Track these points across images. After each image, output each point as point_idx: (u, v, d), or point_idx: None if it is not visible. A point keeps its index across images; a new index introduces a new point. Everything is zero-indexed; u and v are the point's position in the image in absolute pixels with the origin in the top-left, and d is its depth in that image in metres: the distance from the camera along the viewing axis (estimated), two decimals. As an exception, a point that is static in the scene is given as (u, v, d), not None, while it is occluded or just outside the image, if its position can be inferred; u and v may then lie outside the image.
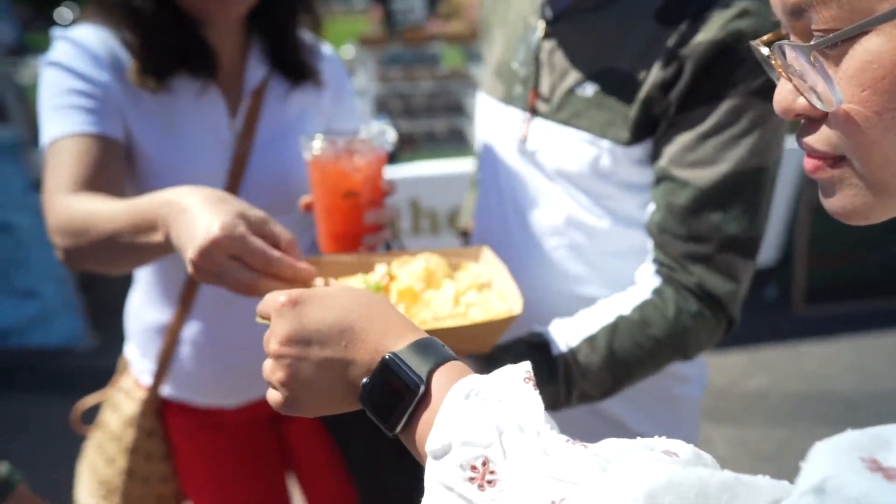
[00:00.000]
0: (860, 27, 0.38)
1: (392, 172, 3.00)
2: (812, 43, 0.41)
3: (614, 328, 0.79)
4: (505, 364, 0.73)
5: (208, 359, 1.14)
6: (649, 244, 0.84)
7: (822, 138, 0.44)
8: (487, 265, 0.80)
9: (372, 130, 0.93)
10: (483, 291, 0.76)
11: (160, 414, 1.18)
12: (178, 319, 1.11)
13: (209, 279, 0.68)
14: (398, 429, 0.49)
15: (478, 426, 0.43)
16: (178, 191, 0.74)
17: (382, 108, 3.57)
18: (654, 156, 0.82)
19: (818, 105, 0.42)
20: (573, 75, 0.85)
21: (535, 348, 0.78)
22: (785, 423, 2.65)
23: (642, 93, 0.79)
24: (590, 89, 0.84)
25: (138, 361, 1.18)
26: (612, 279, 0.89)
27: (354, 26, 8.50)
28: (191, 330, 1.13)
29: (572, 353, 0.78)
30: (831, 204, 0.45)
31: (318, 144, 0.87)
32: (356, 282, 0.73)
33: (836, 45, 0.40)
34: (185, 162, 1.01)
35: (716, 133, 0.76)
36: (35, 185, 2.94)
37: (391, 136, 0.92)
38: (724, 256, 0.78)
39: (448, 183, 3.00)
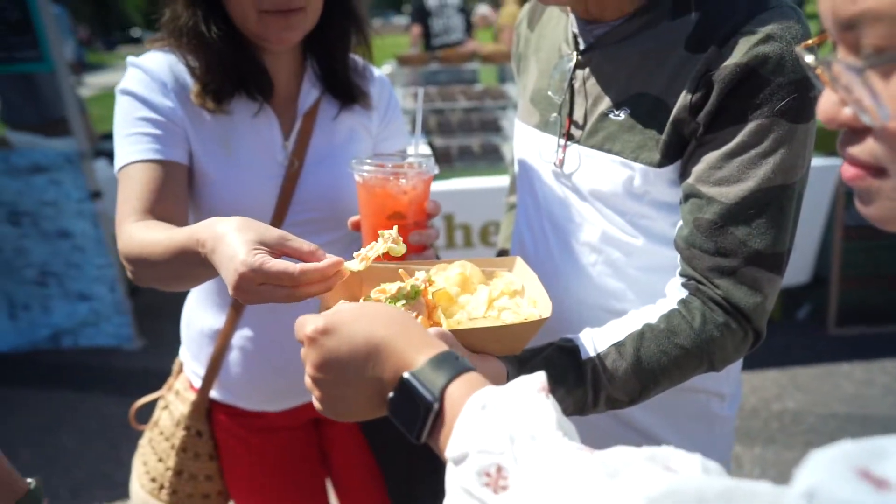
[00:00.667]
0: None
1: (427, 187, 3.08)
2: (862, 63, 0.41)
3: (641, 335, 0.81)
4: (536, 364, 0.79)
5: (255, 365, 1.19)
6: (678, 258, 0.87)
7: (865, 149, 0.44)
8: (520, 274, 0.84)
9: (418, 155, 0.98)
10: (515, 297, 0.80)
11: (208, 415, 1.26)
12: (228, 326, 1.18)
13: (252, 302, 0.76)
14: (422, 438, 0.53)
15: (492, 435, 0.46)
16: (210, 225, 0.80)
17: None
18: (683, 174, 0.85)
19: (865, 119, 0.42)
20: (606, 101, 0.89)
21: (564, 352, 0.81)
22: (818, 444, 2.61)
23: (672, 116, 0.82)
24: (622, 114, 0.87)
25: (190, 364, 1.26)
26: (646, 294, 0.92)
27: (394, 43, 8.65)
28: (240, 337, 1.19)
29: (600, 357, 0.81)
30: (867, 211, 0.46)
31: (367, 167, 0.92)
32: (393, 289, 0.76)
33: (885, 63, 0.40)
34: (240, 180, 1.08)
35: (741, 152, 0.79)
36: (93, 194, 3.11)
37: (432, 162, 0.97)
38: (749, 270, 0.81)
39: (482, 198, 3.06)
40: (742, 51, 0.76)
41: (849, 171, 0.46)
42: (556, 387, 0.78)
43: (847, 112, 0.44)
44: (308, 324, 0.60)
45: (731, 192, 0.80)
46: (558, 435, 0.45)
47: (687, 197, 0.84)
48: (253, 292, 0.73)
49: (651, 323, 0.82)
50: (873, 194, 0.45)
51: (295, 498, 1.32)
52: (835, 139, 0.49)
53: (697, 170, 0.82)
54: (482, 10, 6.75)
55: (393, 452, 1.31)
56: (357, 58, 1.19)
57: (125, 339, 3.36)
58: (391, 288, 0.75)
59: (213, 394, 1.24)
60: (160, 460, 1.25)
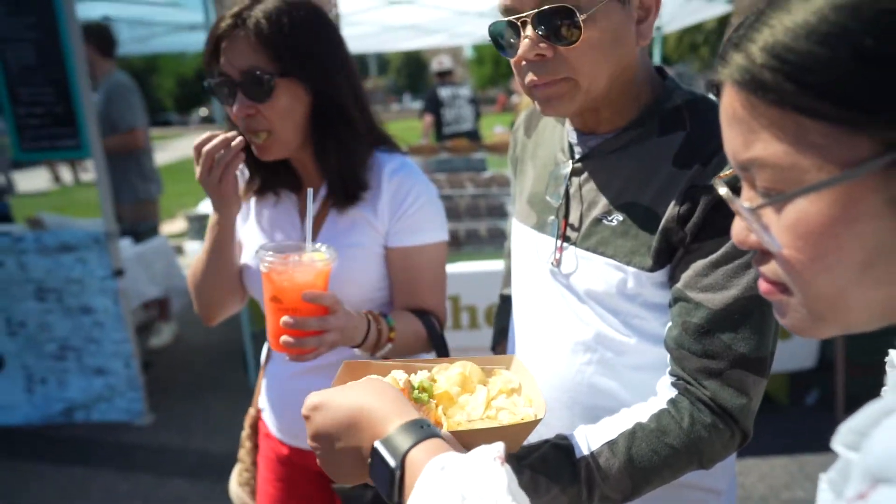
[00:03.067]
0: (789, 195, 0.45)
1: (435, 269, 3.20)
2: (753, 205, 0.47)
3: (632, 434, 0.84)
4: (532, 462, 0.84)
5: (271, 397, 1.38)
6: (668, 358, 0.90)
7: (771, 269, 0.49)
8: (517, 372, 0.88)
9: (323, 249, 1.08)
10: (512, 396, 0.83)
11: (257, 428, 1.48)
12: (267, 356, 1.39)
13: (212, 190, 1.18)
14: (395, 499, 0.60)
15: (446, 495, 0.51)
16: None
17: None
18: (672, 278, 0.90)
19: (765, 245, 0.48)
20: (599, 207, 0.96)
21: (559, 450, 0.84)
22: (830, 537, 2.55)
23: (662, 225, 0.88)
24: (615, 220, 0.93)
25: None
26: (638, 391, 0.95)
27: (409, 127, 9.00)
28: (269, 372, 1.38)
29: (593, 456, 0.83)
30: (783, 321, 0.51)
31: (260, 255, 1.05)
32: (400, 374, 0.82)
33: (775, 203, 0.46)
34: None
35: (725, 262, 0.85)
36: (116, 272, 3.27)
37: (329, 255, 1.06)
38: (735, 373, 0.85)
39: (487, 280, 3.15)
40: (725, 170, 0.84)
41: (763, 286, 0.51)
42: (552, 484, 0.82)
43: (753, 237, 0.50)
44: (307, 401, 0.71)
45: (717, 299, 0.84)
46: (507, 500, 0.49)
47: (676, 300, 0.89)
48: (204, 178, 1.14)
49: (642, 422, 0.85)
50: (784, 307, 0.50)
51: None
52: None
53: (685, 276, 0.87)
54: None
55: None
56: (387, 156, 1.27)
57: (136, 414, 3.41)
58: (398, 377, 0.79)
59: (262, 412, 1.45)
60: (241, 462, 1.51)
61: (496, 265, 3.21)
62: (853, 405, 3.02)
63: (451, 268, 3.22)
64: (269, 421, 1.41)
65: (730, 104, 0.48)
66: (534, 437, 0.84)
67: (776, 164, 0.45)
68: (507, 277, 1.35)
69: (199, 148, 1.14)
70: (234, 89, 1.13)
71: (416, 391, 0.79)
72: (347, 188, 1.23)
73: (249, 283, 1.32)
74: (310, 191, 1.09)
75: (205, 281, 1.30)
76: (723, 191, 0.51)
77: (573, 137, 1.02)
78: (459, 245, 3.47)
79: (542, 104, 0.93)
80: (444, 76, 6.53)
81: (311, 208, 1.09)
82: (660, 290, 0.92)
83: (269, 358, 1.40)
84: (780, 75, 0.43)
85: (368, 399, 0.67)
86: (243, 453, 1.49)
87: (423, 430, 0.62)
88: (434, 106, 6.32)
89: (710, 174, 0.85)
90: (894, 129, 0.40)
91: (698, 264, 0.87)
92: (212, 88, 1.17)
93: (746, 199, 0.49)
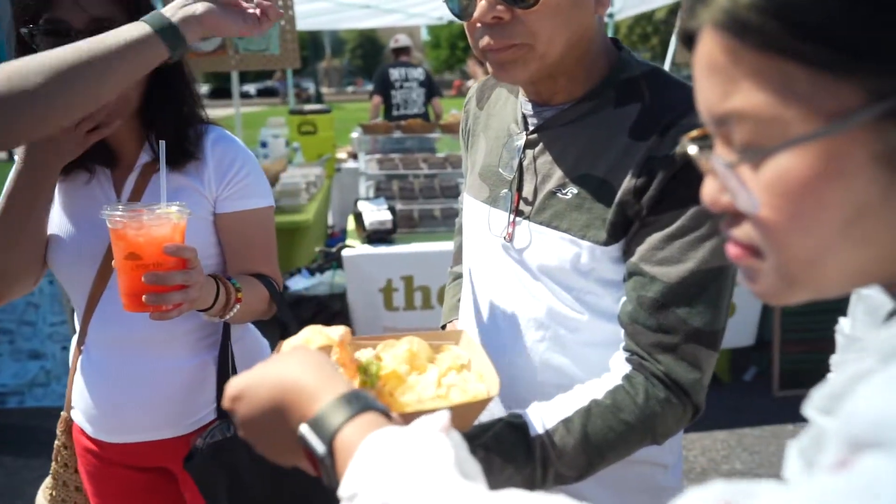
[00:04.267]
0: (771, 150, 0.42)
1: (387, 250, 3.18)
2: (733, 158, 0.44)
3: (588, 411, 0.83)
4: (486, 441, 0.81)
5: (88, 389, 1.27)
6: (621, 334, 0.90)
7: (743, 232, 0.46)
8: (466, 347, 0.86)
9: (174, 205, 1.06)
10: (462, 372, 0.81)
11: (72, 431, 1.35)
12: (76, 352, 1.28)
13: None
14: (332, 484, 0.53)
15: (385, 473, 0.47)
16: None
17: (383, 189, 3.80)
18: (626, 252, 0.89)
19: (739, 206, 0.45)
20: (554, 180, 0.94)
21: (513, 428, 0.83)
22: (765, 505, 2.67)
23: (617, 197, 0.87)
24: (569, 193, 0.92)
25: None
26: (591, 368, 0.94)
27: (361, 109, 8.91)
28: (82, 364, 1.28)
29: (548, 434, 0.82)
30: (753, 287, 0.48)
31: (108, 212, 1.01)
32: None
33: (753, 158, 0.43)
34: (72, 235, 1.22)
35: (681, 235, 0.84)
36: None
37: (183, 210, 1.05)
38: (689, 347, 0.85)
39: (441, 260, 3.14)
40: (682, 142, 0.85)
41: (733, 250, 0.48)
42: (506, 464, 0.80)
43: (726, 198, 0.46)
44: (227, 391, 0.62)
45: (673, 272, 0.84)
46: (454, 474, 0.46)
47: (630, 274, 0.88)
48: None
49: (597, 399, 0.85)
50: (754, 273, 0.47)
51: None
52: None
53: (641, 249, 0.87)
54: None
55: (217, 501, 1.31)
56: (205, 126, 1.28)
57: (75, 399, 3.28)
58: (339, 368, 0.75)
59: (73, 414, 1.33)
60: (55, 468, 1.37)
61: (450, 246, 3.18)
62: (788, 381, 3.18)
63: (405, 248, 3.23)
64: (86, 420, 1.30)
65: (707, 52, 0.44)
66: (485, 416, 0.83)
67: (757, 116, 0.42)
68: (457, 255, 1.34)
69: None
70: (76, 38, 1.03)
71: (361, 373, 0.75)
72: (175, 152, 1.22)
73: (58, 255, 1.23)
74: (162, 143, 1.10)
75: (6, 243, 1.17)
76: (692, 149, 0.48)
77: (527, 109, 1.01)
78: (413, 226, 3.45)
79: (497, 69, 0.91)
80: (400, 54, 6.43)
81: (164, 163, 1.09)
82: (614, 265, 0.91)
83: (81, 345, 1.28)
84: (766, 15, 0.40)
85: (293, 375, 0.59)
86: (56, 467, 1.36)
87: (356, 402, 0.55)
88: (383, 87, 6.21)
89: (668, 145, 0.84)
90: (885, 75, 0.38)
91: (654, 237, 0.86)
92: (34, 37, 1.08)
93: (721, 156, 0.46)
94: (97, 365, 1.27)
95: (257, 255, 1.33)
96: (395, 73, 6.21)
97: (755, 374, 3.63)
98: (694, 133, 0.52)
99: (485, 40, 0.88)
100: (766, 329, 3.52)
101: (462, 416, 0.74)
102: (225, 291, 1.17)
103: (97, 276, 1.21)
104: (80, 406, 1.30)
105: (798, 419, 3.25)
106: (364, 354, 0.78)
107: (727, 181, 0.44)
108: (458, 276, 1.31)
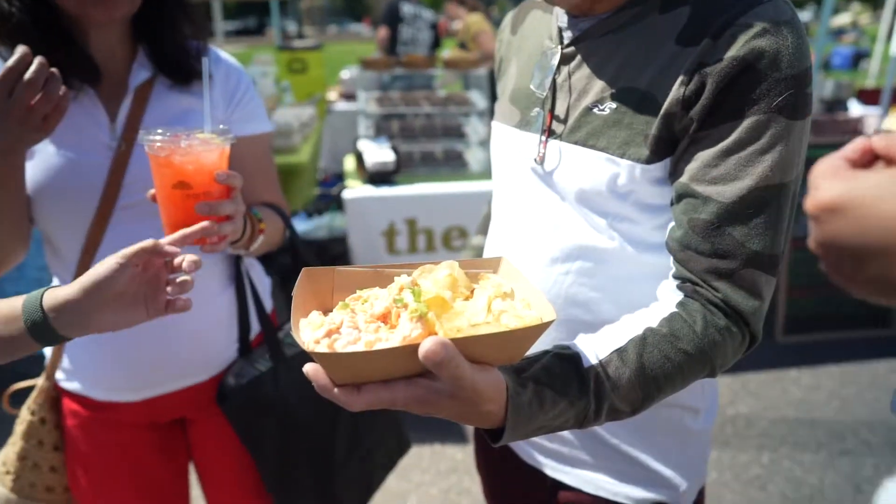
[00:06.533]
0: None
1: (390, 192, 3.06)
2: None
3: (643, 340, 0.77)
4: (535, 373, 0.72)
5: (101, 350, 1.14)
6: (670, 261, 0.83)
7: None
8: (506, 275, 0.78)
9: (216, 130, 0.98)
10: (507, 300, 0.72)
11: (56, 403, 1.22)
12: None
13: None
14: None
15: None
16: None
17: (382, 129, 3.64)
18: (674, 174, 0.82)
19: None
20: (590, 96, 0.86)
21: (564, 360, 0.75)
22: (770, 447, 2.70)
23: (662, 111, 0.79)
24: (607, 109, 0.84)
25: (46, 349, 1.20)
26: (619, 303, 0.88)
27: (353, 50, 8.61)
28: None
29: (602, 365, 0.75)
30: None
31: (150, 138, 0.91)
32: (378, 293, 0.69)
33: None
34: (61, 163, 1.05)
35: (738, 149, 0.76)
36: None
37: (227, 135, 0.97)
38: (747, 273, 0.78)
39: (444, 203, 3.05)
40: (738, 44, 0.74)
41: None
42: (558, 398, 0.72)
43: None
44: (818, 196, 0.46)
45: (729, 191, 0.77)
46: None
47: (680, 197, 0.80)
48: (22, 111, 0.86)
49: (653, 327, 0.78)
50: None
51: (147, 500, 1.27)
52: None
53: (691, 168, 0.79)
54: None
55: (265, 442, 1.27)
56: (195, 42, 1.16)
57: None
58: (367, 294, 0.68)
59: (65, 382, 1.20)
60: (12, 444, 1.21)
61: (452, 187, 3.10)
62: (792, 328, 3.17)
63: (407, 190, 3.11)
64: (88, 382, 1.17)
65: None
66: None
67: None
68: (481, 225, 1.27)
69: (11, 78, 0.86)
70: None
71: (402, 294, 0.66)
72: (180, 68, 1.11)
73: (43, 203, 1.07)
74: (205, 60, 1.00)
75: None
76: None
77: (563, 21, 0.91)
78: (414, 166, 3.31)
79: None
80: None
81: (207, 83, 0.98)
82: (655, 187, 0.83)
83: None
84: None
85: None
86: (25, 447, 1.20)
87: None
88: (392, 19, 5.90)
89: (722, 49, 0.75)
90: None
91: (706, 153, 0.78)
92: None
93: None
94: None
95: (267, 182, 1.26)
96: (408, 8, 5.90)
97: (758, 320, 3.63)
98: None
99: None
100: (772, 275, 3.49)
101: (517, 345, 0.67)
102: (250, 223, 1.09)
103: (97, 214, 1.07)
104: (83, 369, 1.17)
105: (801, 364, 3.27)
106: (399, 280, 0.69)
107: None
108: (488, 216, 1.24)
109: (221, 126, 0.99)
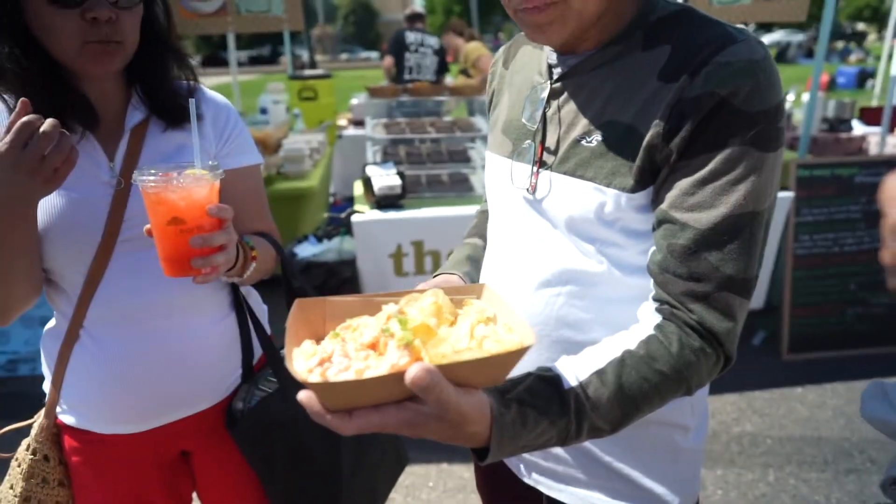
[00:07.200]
0: None
1: (397, 216, 3.15)
2: None
3: (622, 362, 0.80)
4: (519, 394, 0.77)
5: (103, 381, 1.17)
6: (650, 283, 0.87)
7: None
8: (490, 301, 0.81)
9: (206, 166, 1.02)
10: (489, 325, 0.76)
11: (58, 440, 1.24)
12: (66, 343, 1.16)
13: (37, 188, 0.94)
14: None
15: None
16: None
17: (389, 155, 3.74)
18: (655, 200, 0.86)
19: None
20: (578, 128, 0.91)
21: (545, 381, 0.79)
22: (776, 465, 2.71)
23: (645, 142, 0.84)
24: (594, 141, 0.89)
25: (46, 384, 1.24)
26: (608, 325, 0.91)
27: (363, 76, 8.77)
28: (80, 354, 1.17)
29: (582, 386, 0.79)
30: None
31: (143, 176, 0.96)
32: (367, 321, 0.73)
33: None
34: (63, 204, 1.10)
35: (714, 179, 0.81)
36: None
37: (216, 170, 1.02)
38: (721, 296, 0.82)
39: (450, 225, 3.13)
40: (714, 81, 0.80)
41: None
42: (541, 418, 0.77)
43: None
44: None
45: (704, 218, 0.81)
46: None
47: (660, 222, 0.85)
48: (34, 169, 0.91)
49: (630, 349, 0.82)
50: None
51: None
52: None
53: (671, 196, 0.84)
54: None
55: (273, 462, 1.29)
56: (185, 82, 1.23)
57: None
58: (356, 323, 0.72)
59: (65, 417, 1.22)
60: (11, 487, 1.21)
61: (458, 211, 3.18)
62: (797, 346, 3.20)
63: (415, 213, 3.20)
64: (89, 416, 1.20)
65: None
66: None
67: None
68: (471, 228, 1.31)
69: (28, 131, 0.91)
70: None
71: (389, 323, 0.70)
72: (172, 108, 1.18)
73: (54, 248, 1.11)
74: (192, 102, 1.05)
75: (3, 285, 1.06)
76: None
77: (552, 58, 0.97)
78: (421, 191, 3.40)
79: (533, 30, 0.87)
80: (415, 20, 6.31)
81: (196, 122, 1.05)
82: (639, 214, 0.88)
83: (72, 340, 1.17)
84: None
85: None
86: (27, 487, 1.20)
87: None
88: (398, 49, 6.09)
89: (700, 86, 0.81)
90: None
91: (684, 182, 0.83)
92: None
93: None
94: (109, 349, 1.16)
95: (259, 211, 1.32)
96: (412, 37, 6.08)
97: (764, 339, 3.65)
98: None
99: (517, 0, 0.84)
100: (775, 294, 3.52)
101: (499, 368, 0.70)
102: (242, 251, 1.15)
103: (100, 248, 1.12)
104: (85, 402, 1.19)
105: (806, 382, 3.28)
106: (387, 309, 0.74)
107: None
108: (469, 242, 1.28)
109: (211, 162, 1.04)
